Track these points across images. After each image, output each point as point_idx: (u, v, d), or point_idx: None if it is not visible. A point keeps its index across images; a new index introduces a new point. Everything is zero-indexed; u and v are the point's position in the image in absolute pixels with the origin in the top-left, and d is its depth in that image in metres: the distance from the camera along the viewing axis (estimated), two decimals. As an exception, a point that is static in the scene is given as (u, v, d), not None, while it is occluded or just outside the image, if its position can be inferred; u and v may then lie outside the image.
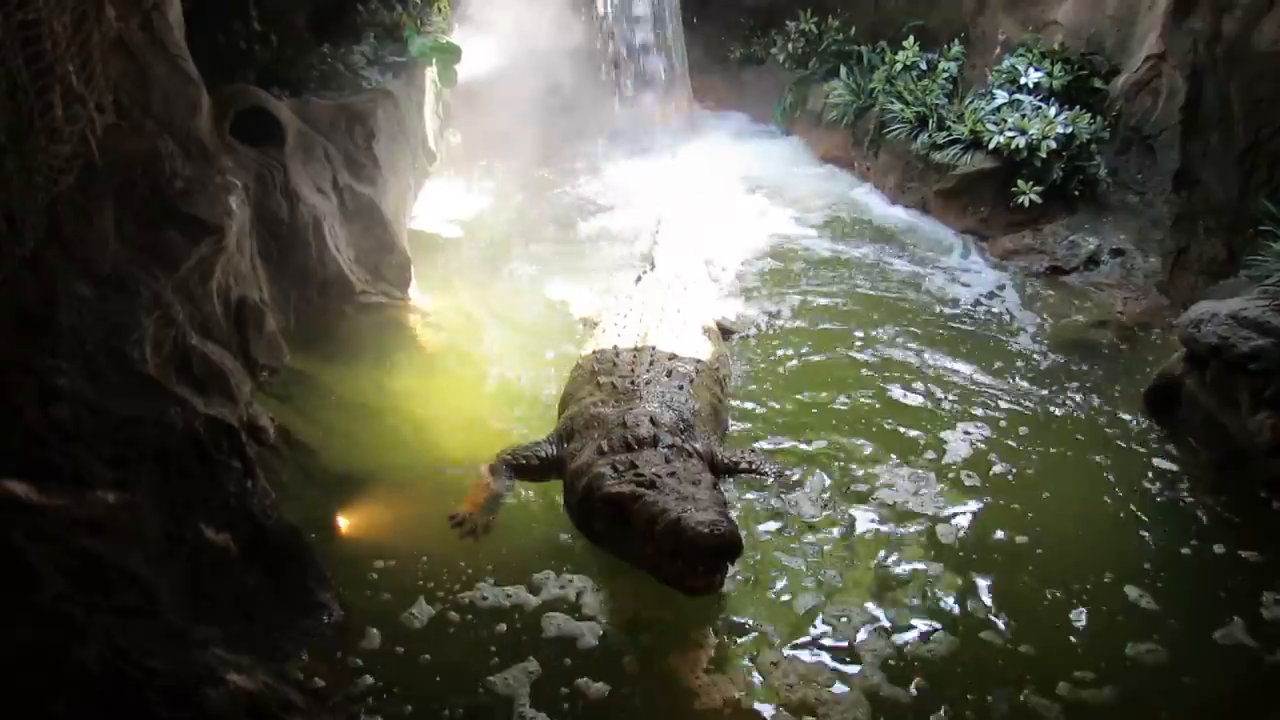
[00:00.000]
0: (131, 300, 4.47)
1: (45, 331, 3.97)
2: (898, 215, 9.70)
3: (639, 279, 7.62)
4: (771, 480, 5.33)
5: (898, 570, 4.80)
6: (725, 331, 7.06)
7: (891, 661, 4.25)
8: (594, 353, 6.10)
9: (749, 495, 5.29)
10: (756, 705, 4.05)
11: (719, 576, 4.13)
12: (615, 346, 6.11)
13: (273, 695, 3.03)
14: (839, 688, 4.12)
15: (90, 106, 4.30)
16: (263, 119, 6.13)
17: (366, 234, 6.91)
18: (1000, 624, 4.47)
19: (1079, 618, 4.51)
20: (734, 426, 6.03)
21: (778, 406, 6.27)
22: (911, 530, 5.08)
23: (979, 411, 6.19)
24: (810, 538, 4.98)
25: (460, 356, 6.78)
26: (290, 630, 4.10)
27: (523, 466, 5.31)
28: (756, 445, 5.78)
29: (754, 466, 5.40)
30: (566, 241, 9.16)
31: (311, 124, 6.68)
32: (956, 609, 4.55)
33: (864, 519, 5.15)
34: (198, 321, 5.05)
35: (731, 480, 5.33)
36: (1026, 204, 8.62)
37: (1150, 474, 5.61)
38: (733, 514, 4.67)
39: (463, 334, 7.11)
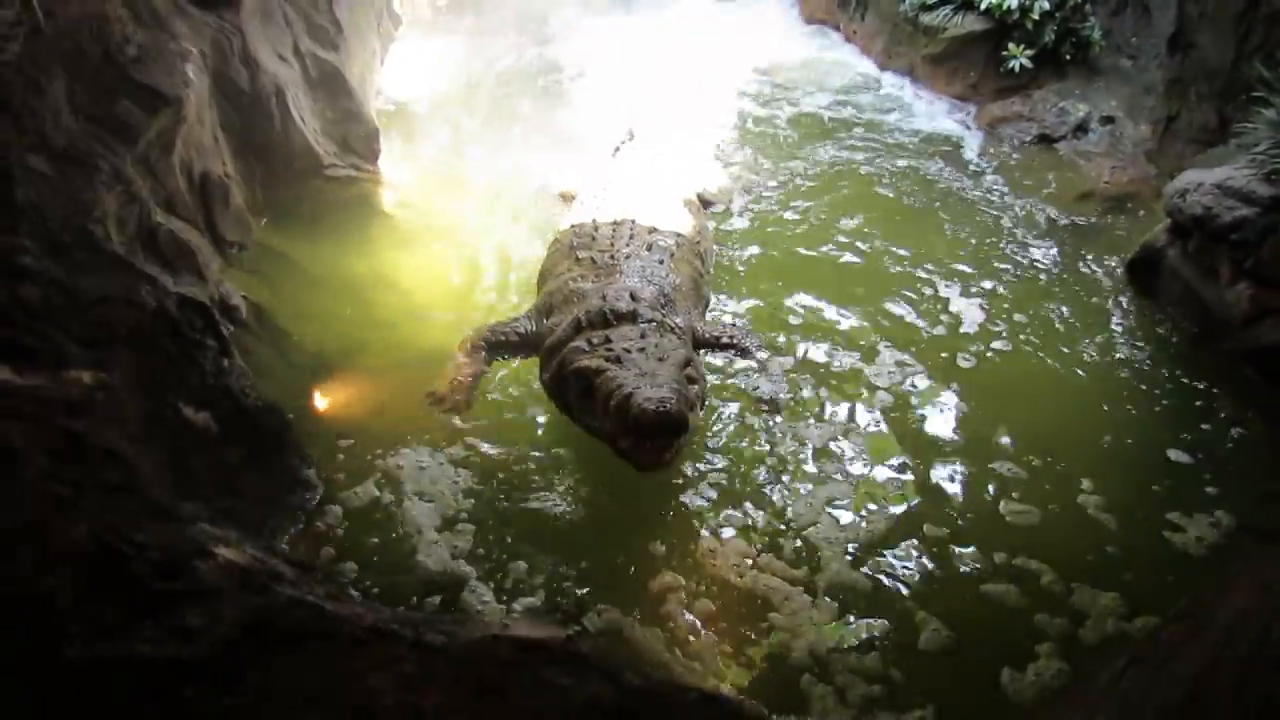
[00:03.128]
0: (91, 175, 4.31)
1: (5, 208, 3.83)
2: (884, 81, 9.42)
3: (617, 150, 7.40)
4: (752, 355, 5.35)
5: (859, 449, 4.88)
6: (706, 203, 6.93)
7: (838, 542, 4.37)
8: (572, 227, 5.97)
9: (721, 372, 5.31)
10: (699, 573, 4.22)
11: (668, 454, 4.12)
12: (594, 220, 5.97)
13: (262, 568, 3.09)
14: (784, 558, 4.32)
15: (27, -35, 4.00)
16: (215, -22, 5.74)
17: (332, 103, 6.63)
18: (950, 508, 4.56)
19: (1051, 498, 4.60)
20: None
21: (756, 279, 6.24)
22: (879, 407, 5.16)
23: (959, 285, 6.19)
24: (777, 416, 5.05)
25: (432, 230, 6.65)
26: (275, 506, 4.17)
27: (501, 343, 5.29)
28: (735, 319, 5.78)
29: (735, 341, 5.40)
30: (540, 108, 8.85)
31: (268, -16, 6.28)
32: (919, 492, 4.65)
33: (833, 395, 5.22)
34: (161, 197, 4.89)
35: (712, 355, 5.35)
36: (1017, 69, 8.38)
37: (1129, 347, 5.69)
38: (707, 390, 4.71)
39: (434, 207, 6.95)
